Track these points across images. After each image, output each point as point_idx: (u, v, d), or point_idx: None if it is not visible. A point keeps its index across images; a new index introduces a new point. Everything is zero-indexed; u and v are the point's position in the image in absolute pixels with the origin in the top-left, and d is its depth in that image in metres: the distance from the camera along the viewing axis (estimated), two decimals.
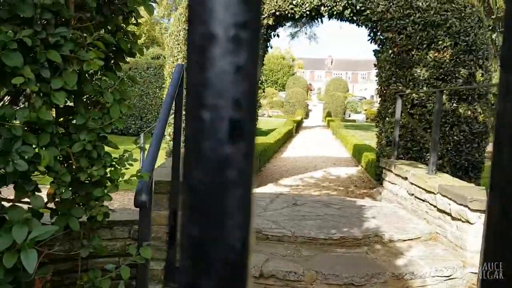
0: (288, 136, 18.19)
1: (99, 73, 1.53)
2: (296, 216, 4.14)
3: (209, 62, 0.21)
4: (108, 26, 1.59)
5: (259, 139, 10.41)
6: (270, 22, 7.18)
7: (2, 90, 1.33)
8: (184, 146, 0.22)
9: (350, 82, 56.31)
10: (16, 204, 1.42)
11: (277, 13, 7.18)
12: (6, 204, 1.43)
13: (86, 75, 1.47)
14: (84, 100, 1.60)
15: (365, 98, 46.42)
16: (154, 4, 1.93)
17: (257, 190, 7.50)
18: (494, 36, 12.34)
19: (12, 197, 1.67)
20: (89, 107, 1.60)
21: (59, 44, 1.30)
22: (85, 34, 1.41)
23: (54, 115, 1.53)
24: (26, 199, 1.48)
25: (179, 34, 7.34)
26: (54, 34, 1.28)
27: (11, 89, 1.34)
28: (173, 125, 3.66)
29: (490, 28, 6.94)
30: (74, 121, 1.52)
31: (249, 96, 0.22)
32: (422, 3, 6.83)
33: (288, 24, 10.23)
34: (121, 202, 6.25)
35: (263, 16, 7.10)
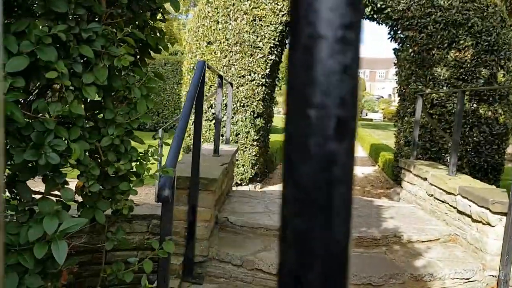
0: None
1: (127, 68, 1.55)
2: None
3: (316, 62, 0.22)
4: (137, 22, 1.61)
5: (274, 137, 10.39)
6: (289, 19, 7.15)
7: (34, 84, 1.36)
8: (287, 143, 0.22)
9: (367, 81, 55.90)
10: (46, 196, 1.45)
11: None
12: (36, 196, 1.46)
13: (115, 70, 1.48)
14: (112, 95, 1.63)
15: (383, 97, 46.04)
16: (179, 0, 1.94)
17: (273, 188, 7.51)
18: None
19: (38, 189, 1.71)
20: (115, 102, 1.62)
21: (91, 40, 1.32)
22: (115, 30, 1.44)
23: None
24: (55, 192, 1.51)
25: (198, 31, 7.37)
26: (87, 29, 1.30)
27: (44, 83, 1.37)
28: (193, 121, 3.68)
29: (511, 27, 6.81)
30: (101, 116, 1.54)
31: (353, 94, 0.22)
32: (443, 2, 6.74)
33: None
34: (138, 197, 6.31)
35: (282, 13, 7.10)
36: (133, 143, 1.87)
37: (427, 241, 3.68)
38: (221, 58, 7.17)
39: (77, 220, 1.34)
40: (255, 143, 7.27)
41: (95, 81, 1.35)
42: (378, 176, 9.80)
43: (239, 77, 7.11)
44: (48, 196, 1.45)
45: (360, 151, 14.39)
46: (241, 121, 7.14)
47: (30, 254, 1.36)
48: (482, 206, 3.30)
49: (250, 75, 7.16)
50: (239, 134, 7.13)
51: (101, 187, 1.71)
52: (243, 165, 7.22)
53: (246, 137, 7.20)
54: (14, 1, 1.21)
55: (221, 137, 5.07)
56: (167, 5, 2.02)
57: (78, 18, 1.31)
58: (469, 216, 3.53)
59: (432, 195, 4.41)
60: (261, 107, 7.32)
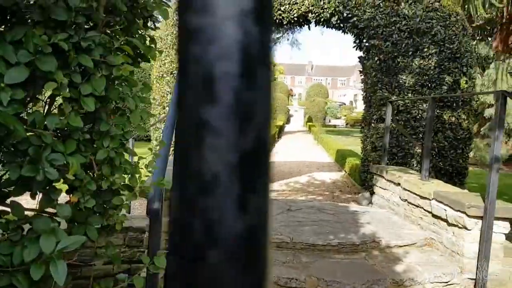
0: (271, 141, 18.22)
1: (120, 78, 1.49)
2: (293, 222, 4.13)
3: None
4: (131, 31, 1.56)
5: None
6: None
7: (29, 96, 1.28)
8: None
9: (329, 88, 56.92)
10: (40, 213, 1.37)
11: None
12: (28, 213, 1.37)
13: (111, 80, 1.42)
14: (105, 106, 1.56)
15: (345, 104, 47.01)
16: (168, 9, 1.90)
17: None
18: (473, 43, 12.64)
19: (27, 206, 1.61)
20: (109, 113, 1.56)
21: (90, 49, 1.26)
22: (111, 39, 1.38)
23: None
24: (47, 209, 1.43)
25: (167, 38, 7.28)
26: (86, 38, 1.24)
27: (40, 95, 1.30)
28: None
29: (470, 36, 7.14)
30: (95, 128, 1.47)
31: None
32: (408, 11, 6.96)
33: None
34: None
35: None
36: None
37: (405, 245, 3.75)
38: None
39: (75, 238, 1.27)
40: None
41: (92, 91, 1.29)
42: (345, 181, 9.95)
43: None
44: (42, 213, 1.37)
45: (326, 157, 14.59)
46: None
47: (24, 275, 1.28)
48: (458, 210, 3.39)
49: None
50: None
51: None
52: None
53: None
54: (8, 8, 1.14)
55: None
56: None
57: (76, 26, 1.25)
58: (444, 220, 3.63)
59: (406, 200, 4.51)
60: None
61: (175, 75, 7.16)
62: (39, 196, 1.50)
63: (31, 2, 1.20)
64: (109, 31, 1.44)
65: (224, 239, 0.27)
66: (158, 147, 5.65)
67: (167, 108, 6.89)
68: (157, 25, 1.94)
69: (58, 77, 1.15)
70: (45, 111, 1.37)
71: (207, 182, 0.26)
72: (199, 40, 0.26)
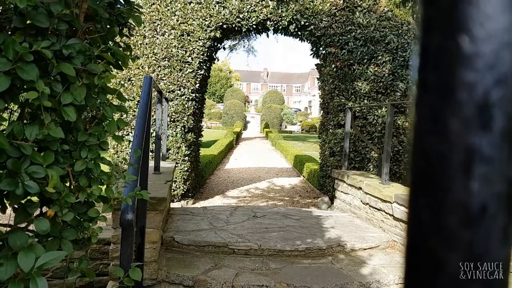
0: (230, 148, 18.23)
1: (97, 86, 1.45)
2: (259, 229, 4.14)
3: None
4: (109, 38, 1.52)
5: (203, 151, 10.32)
6: (218, 35, 7.20)
7: (5, 106, 1.21)
8: None
9: (285, 95, 57.74)
10: (15, 228, 1.30)
11: (224, 26, 7.22)
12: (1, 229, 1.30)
13: (89, 89, 1.38)
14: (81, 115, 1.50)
15: (300, 110, 47.76)
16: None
17: (205, 203, 7.42)
18: None
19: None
20: (86, 123, 1.51)
21: (71, 57, 1.21)
22: (91, 46, 1.33)
23: None
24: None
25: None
26: (68, 46, 1.20)
27: (17, 104, 1.23)
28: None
29: None
30: (72, 138, 1.42)
31: None
32: (362, 20, 7.18)
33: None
34: None
35: (210, 29, 7.10)
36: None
37: (369, 248, 3.85)
38: (149, 72, 7.00)
39: (55, 253, 1.21)
40: (187, 158, 7.16)
41: (73, 101, 1.24)
42: (304, 186, 10.09)
43: (169, 92, 6.98)
44: (18, 229, 1.30)
45: (285, 163, 14.74)
46: (172, 136, 7.00)
47: None
48: None
49: (179, 89, 7.07)
50: (170, 149, 6.97)
51: None
52: (175, 181, 7.06)
53: (177, 153, 7.06)
54: None
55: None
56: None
57: (58, 33, 1.20)
58: (406, 222, 3.75)
59: (367, 204, 4.64)
60: (192, 122, 7.25)
61: (132, 82, 7.03)
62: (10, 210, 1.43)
63: (9, 7, 1.14)
64: (88, 39, 1.40)
65: (486, 273, 0.26)
66: (115, 155, 5.45)
67: (124, 115, 6.72)
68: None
69: (40, 86, 1.10)
70: (19, 121, 1.30)
71: (473, 213, 0.25)
72: (474, 66, 0.25)
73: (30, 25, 1.14)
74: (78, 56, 1.25)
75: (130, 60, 1.85)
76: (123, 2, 1.61)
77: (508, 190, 0.26)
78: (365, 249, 3.84)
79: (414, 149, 0.28)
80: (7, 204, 1.31)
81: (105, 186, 1.64)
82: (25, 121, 1.33)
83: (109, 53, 1.42)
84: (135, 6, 1.73)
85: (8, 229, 1.43)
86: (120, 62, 1.63)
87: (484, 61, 0.25)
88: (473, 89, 0.25)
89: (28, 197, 1.34)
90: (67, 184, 1.49)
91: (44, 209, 1.55)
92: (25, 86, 1.16)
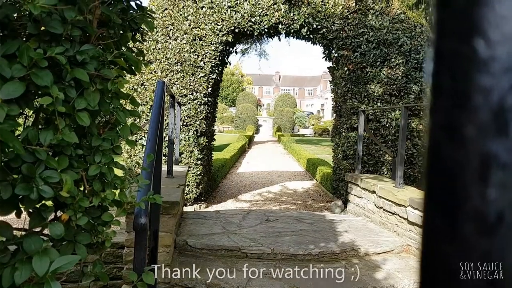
0: (242, 151, 18.25)
1: (110, 91, 1.46)
2: (272, 233, 4.13)
3: None
4: (122, 44, 1.53)
5: (216, 155, 10.35)
6: (229, 39, 7.23)
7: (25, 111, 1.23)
8: None
9: (297, 98, 57.71)
10: (30, 232, 1.31)
11: (236, 30, 7.24)
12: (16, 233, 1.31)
13: (103, 94, 1.39)
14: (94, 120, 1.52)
15: (312, 113, 47.63)
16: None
17: (218, 207, 7.43)
18: None
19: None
20: (100, 128, 1.52)
21: (85, 62, 1.22)
22: (104, 52, 1.34)
23: None
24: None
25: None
26: (82, 51, 1.21)
27: (32, 110, 1.25)
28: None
29: None
30: (86, 142, 1.43)
31: None
32: (375, 22, 7.14)
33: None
34: None
35: (222, 33, 7.13)
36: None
37: (383, 252, 3.81)
38: (162, 77, 7.05)
39: (69, 257, 1.22)
40: (199, 162, 7.18)
41: (86, 106, 1.25)
42: (317, 189, 10.04)
43: (181, 96, 7.02)
44: (32, 233, 1.31)
45: (297, 166, 14.70)
46: (185, 140, 7.03)
47: None
48: None
49: (192, 94, 7.10)
50: (182, 153, 7.00)
51: None
52: (188, 185, 7.09)
53: (190, 156, 7.09)
54: None
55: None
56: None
57: (71, 39, 1.22)
58: (421, 226, 3.70)
59: (381, 208, 4.59)
60: (204, 126, 7.27)
61: (145, 86, 7.09)
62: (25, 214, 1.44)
63: (24, 14, 1.16)
64: (101, 44, 1.41)
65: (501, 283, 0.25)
66: (129, 159, 5.48)
67: (137, 120, 6.78)
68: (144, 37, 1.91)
69: (54, 91, 1.12)
70: (34, 126, 1.31)
71: (490, 221, 0.25)
72: (490, 70, 0.24)
73: (44, 31, 1.15)
74: (91, 62, 1.26)
75: (143, 65, 1.86)
76: (135, 8, 1.62)
77: None
78: (379, 253, 3.80)
79: (429, 155, 0.27)
80: (22, 209, 1.33)
81: (118, 191, 1.65)
82: (39, 126, 1.35)
83: (122, 59, 1.43)
84: (147, 12, 1.75)
85: (23, 233, 1.44)
86: (133, 67, 1.64)
87: (500, 64, 0.24)
88: (488, 94, 0.25)
89: (43, 202, 1.35)
90: (81, 189, 1.50)
91: (59, 213, 1.57)
92: (39, 92, 1.17)
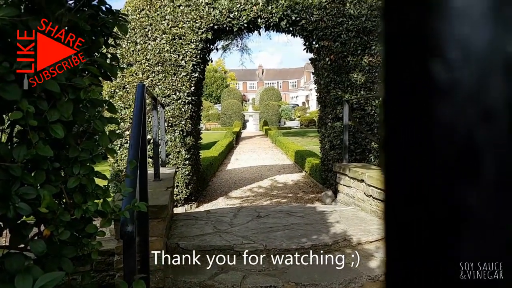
0: (230, 148, 18.21)
1: (84, 100, 1.42)
2: (264, 229, 4.11)
3: None
4: (93, 50, 1.49)
5: (203, 153, 10.30)
6: (209, 36, 7.17)
7: None
8: None
9: (281, 91, 57.71)
10: (11, 251, 1.27)
11: (215, 27, 7.18)
12: None
13: (77, 103, 1.35)
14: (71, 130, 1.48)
15: (298, 105, 47.72)
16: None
17: (209, 205, 7.40)
18: None
19: None
20: (77, 138, 1.48)
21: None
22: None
23: None
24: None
25: (116, 53, 7.09)
26: None
27: (2, 125, 1.21)
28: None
29: None
30: (63, 154, 1.39)
31: None
32: (353, 11, 7.14)
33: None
34: None
35: (201, 31, 7.07)
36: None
37: (375, 241, 3.82)
38: (143, 79, 6.97)
39: (53, 274, 1.18)
40: (187, 162, 7.13)
41: (60, 117, 1.21)
42: (307, 181, 10.06)
43: (164, 96, 6.96)
44: (14, 251, 1.27)
45: (286, 159, 14.71)
46: (171, 141, 6.97)
47: None
48: None
49: (175, 94, 7.04)
50: (169, 154, 6.95)
51: None
52: (177, 186, 7.04)
53: (178, 157, 7.04)
54: None
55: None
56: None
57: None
58: None
59: (371, 196, 4.61)
60: (190, 125, 7.22)
61: (127, 89, 7.01)
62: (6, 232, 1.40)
63: None
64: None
65: None
66: (115, 164, 5.41)
67: (121, 125, 6.71)
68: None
69: (23, 105, 1.08)
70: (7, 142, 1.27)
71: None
72: (451, 100, 0.20)
73: (10, 43, 1.11)
74: (62, 71, 1.22)
75: (119, 69, 1.82)
76: (105, 11, 1.57)
77: (507, 252, 0.21)
78: (371, 241, 3.81)
79: (386, 217, 0.23)
80: (2, 225, 1.29)
81: (101, 201, 1.62)
82: (16, 140, 1.31)
83: (95, 66, 1.39)
84: (120, 15, 1.70)
85: (6, 251, 1.40)
86: (108, 73, 1.60)
87: (463, 91, 0.20)
88: (451, 129, 0.20)
89: (24, 218, 1.31)
90: (64, 200, 1.46)
91: (42, 227, 1.53)
92: (14, 106, 1.13)
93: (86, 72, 1.35)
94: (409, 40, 0.21)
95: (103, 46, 1.59)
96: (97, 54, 1.55)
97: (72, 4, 1.42)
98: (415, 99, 0.21)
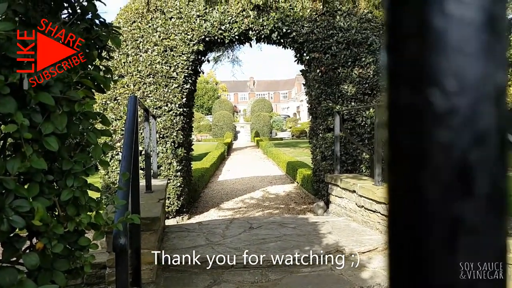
0: (222, 159, 18.18)
1: (78, 112, 1.42)
2: (256, 240, 4.11)
3: None
4: (87, 63, 1.50)
5: (195, 164, 10.27)
6: (201, 48, 7.21)
7: None
8: None
9: (272, 102, 57.93)
10: (4, 265, 1.26)
11: (207, 39, 7.22)
12: None
13: (71, 116, 1.35)
14: (64, 142, 1.48)
15: (289, 116, 47.91)
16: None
17: (201, 217, 7.37)
18: None
19: None
20: (70, 150, 1.48)
21: (49, 85, 1.19)
22: (69, 73, 1.31)
23: None
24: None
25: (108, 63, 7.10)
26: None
27: None
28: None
29: None
30: (57, 167, 1.39)
31: None
32: (343, 23, 7.23)
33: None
34: None
35: (193, 43, 7.11)
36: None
37: (367, 251, 3.83)
38: (135, 90, 6.97)
39: (47, 287, 1.18)
40: (179, 173, 7.11)
41: (54, 130, 1.22)
42: (298, 192, 10.07)
43: (156, 108, 6.96)
44: (6, 265, 1.26)
45: (277, 170, 14.72)
46: (162, 152, 6.95)
47: None
48: None
49: (167, 105, 7.05)
50: (161, 166, 6.92)
51: None
52: (169, 197, 7.01)
53: (169, 168, 7.02)
54: None
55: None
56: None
57: (34, 63, 1.18)
58: None
59: (362, 206, 4.63)
60: (181, 137, 7.21)
61: (119, 101, 7.00)
62: None
63: None
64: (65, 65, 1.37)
65: None
66: (106, 176, 5.39)
67: (112, 136, 6.68)
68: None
69: (18, 118, 1.08)
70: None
71: None
72: (448, 124, 0.22)
73: (5, 57, 1.12)
74: (56, 85, 1.22)
75: (112, 81, 1.83)
76: (99, 24, 1.58)
77: (497, 263, 0.23)
78: (364, 252, 3.82)
79: (390, 223, 0.25)
80: None
81: (94, 213, 1.61)
82: (9, 153, 1.31)
83: (88, 78, 1.40)
84: (113, 28, 1.72)
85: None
86: (101, 86, 1.61)
87: (459, 117, 0.22)
88: (449, 151, 0.23)
89: (17, 231, 1.30)
90: (56, 214, 1.45)
91: (35, 240, 1.52)
92: (8, 119, 1.13)
93: (80, 85, 1.36)
94: (410, 71, 0.23)
95: (97, 59, 1.60)
96: (90, 67, 1.56)
97: (67, 18, 1.43)
98: (416, 124, 0.23)
